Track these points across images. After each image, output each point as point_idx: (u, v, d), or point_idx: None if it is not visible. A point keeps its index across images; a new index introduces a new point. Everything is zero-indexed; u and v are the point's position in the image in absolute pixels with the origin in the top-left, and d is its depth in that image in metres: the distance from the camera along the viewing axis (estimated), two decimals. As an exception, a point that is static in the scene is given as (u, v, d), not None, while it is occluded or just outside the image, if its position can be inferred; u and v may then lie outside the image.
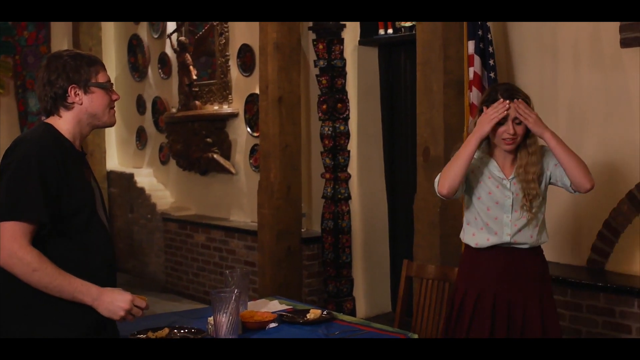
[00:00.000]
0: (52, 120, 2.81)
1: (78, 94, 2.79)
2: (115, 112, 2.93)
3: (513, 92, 3.32)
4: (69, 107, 2.80)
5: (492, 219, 3.38)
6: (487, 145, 3.43)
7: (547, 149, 3.36)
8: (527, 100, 3.31)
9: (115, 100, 2.90)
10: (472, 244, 3.45)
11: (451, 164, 3.35)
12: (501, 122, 3.29)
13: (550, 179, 3.41)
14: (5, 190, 2.62)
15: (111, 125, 2.95)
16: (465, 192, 3.47)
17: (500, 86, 3.45)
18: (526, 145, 3.35)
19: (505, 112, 3.26)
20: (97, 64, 2.84)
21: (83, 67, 2.79)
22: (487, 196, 3.39)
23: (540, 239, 3.41)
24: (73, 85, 2.77)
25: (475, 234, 3.43)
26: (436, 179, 3.43)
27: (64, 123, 2.80)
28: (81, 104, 2.80)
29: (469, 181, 3.43)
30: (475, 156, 3.39)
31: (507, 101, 3.27)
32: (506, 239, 3.36)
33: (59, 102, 2.79)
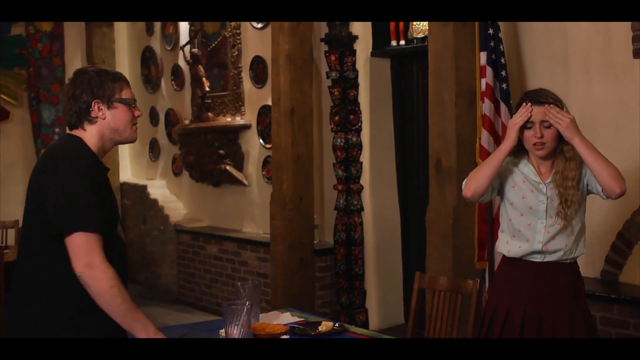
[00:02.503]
0: (79, 134, 2.86)
1: (101, 109, 2.84)
2: (137, 128, 2.98)
3: (540, 96, 3.27)
4: (92, 122, 2.85)
5: (524, 226, 3.31)
6: (525, 149, 3.38)
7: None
8: (558, 104, 3.25)
9: (138, 116, 2.95)
10: (505, 252, 3.39)
11: (479, 168, 3.35)
12: (529, 127, 3.26)
13: (587, 186, 3.32)
14: (66, 202, 2.65)
15: (133, 141, 2.99)
16: (500, 198, 3.43)
17: (530, 91, 3.39)
18: (563, 151, 3.28)
19: (529, 114, 3.23)
20: (121, 80, 2.91)
21: (107, 83, 2.85)
22: (520, 201, 3.33)
23: (575, 250, 3.31)
24: (97, 100, 2.83)
25: (509, 241, 3.37)
26: (464, 182, 3.40)
27: (90, 137, 2.85)
28: (104, 119, 2.85)
29: (503, 186, 3.39)
30: (511, 160, 3.38)
31: (530, 104, 3.24)
32: (537, 246, 3.28)
33: (83, 116, 2.84)
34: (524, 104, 3.27)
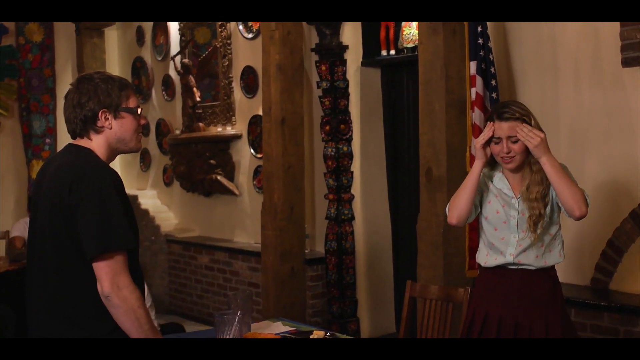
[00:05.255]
0: (86, 144, 2.78)
1: (108, 119, 2.75)
2: (141, 137, 2.91)
3: (506, 112, 3.31)
4: (98, 131, 2.76)
5: (498, 239, 3.37)
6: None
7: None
8: (525, 119, 3.29)
9: (143, 124, 2.88)
10: (482, 263, 3.45)
11: (457, 194, 3.43)
12: (497, 142, 3.31)
13: (557, 201, 3.33)
14: (100, 227, 2.59)
15: (137, 150, 2.91)
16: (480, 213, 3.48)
17: (498, 106, 3.47)
18: (530, 164, 3.33)
19: (491, 133, 3.29)
20: (127, 88, 2.81)
21: (114, 91, 2.75)
22: (494, 215, 3.38)
23: (548, 259, 3.35)
24: (104, 109, 2.74)
25: (488, 254, 3.42)
26: (446, 209, 3.48)
27: (98, 148, 2.77)
28: (111, 129, 2.77)
29: (482, 201, 3.45)
30: (487, 174, 3.43)
31: (492, 123, 3.31)
32: (509, 259, 3.33)
33: (88, 126, 2.75)
34: (488, 122, 3.34)
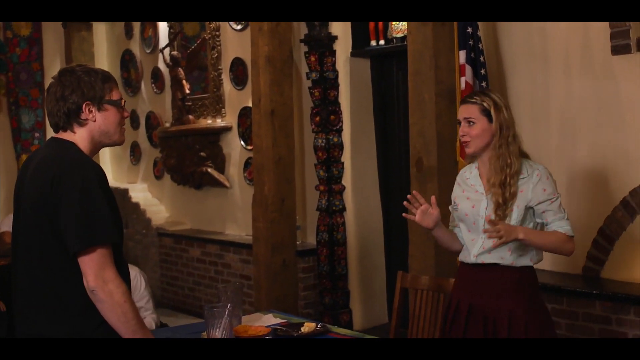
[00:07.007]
0: (69, 137, 2.76)
1: (92, 111, 2.74)
2: (125, 130, 2.90)
3: (469, 95, 3.39)
4: (82, 124, 2.75)
5: (469, 241, 3.36)
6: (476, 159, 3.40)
7: (535, 174, 3.26)
8: (485, 103, 3.25)
9: (126, 117, 2.87)
10: (459, 259, 3.46)
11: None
12: (459, 123, 3.31)
13: (534, 213, 3.27)
14: (83, 221, 2.58)
15: (120, 143, 2.90)
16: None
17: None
18: (496, 150, 3.26)
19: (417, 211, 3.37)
20: (110, 80, 2.81)
21: (97, 84, 2.75)
22: (464, 218, 3.38)
23: (516, 262, 3.26)
24: (87, 101, 2.73)
25: (462, 250, 3.43)
26: None
27: (81, 140, 2.76)
28: (94, 121, 2.76)
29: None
30: (466, 170, 3.44)
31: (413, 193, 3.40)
32: (472, 259, 3.31)
33: (72, 118, 2.74)
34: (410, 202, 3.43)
